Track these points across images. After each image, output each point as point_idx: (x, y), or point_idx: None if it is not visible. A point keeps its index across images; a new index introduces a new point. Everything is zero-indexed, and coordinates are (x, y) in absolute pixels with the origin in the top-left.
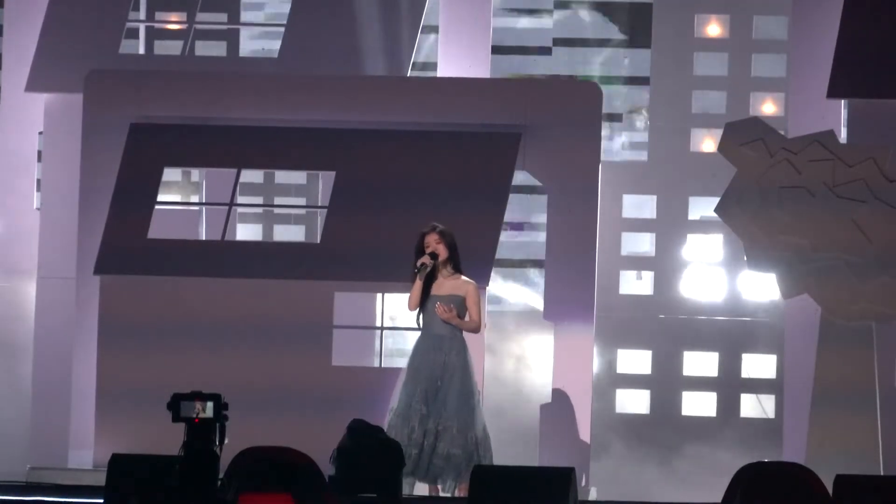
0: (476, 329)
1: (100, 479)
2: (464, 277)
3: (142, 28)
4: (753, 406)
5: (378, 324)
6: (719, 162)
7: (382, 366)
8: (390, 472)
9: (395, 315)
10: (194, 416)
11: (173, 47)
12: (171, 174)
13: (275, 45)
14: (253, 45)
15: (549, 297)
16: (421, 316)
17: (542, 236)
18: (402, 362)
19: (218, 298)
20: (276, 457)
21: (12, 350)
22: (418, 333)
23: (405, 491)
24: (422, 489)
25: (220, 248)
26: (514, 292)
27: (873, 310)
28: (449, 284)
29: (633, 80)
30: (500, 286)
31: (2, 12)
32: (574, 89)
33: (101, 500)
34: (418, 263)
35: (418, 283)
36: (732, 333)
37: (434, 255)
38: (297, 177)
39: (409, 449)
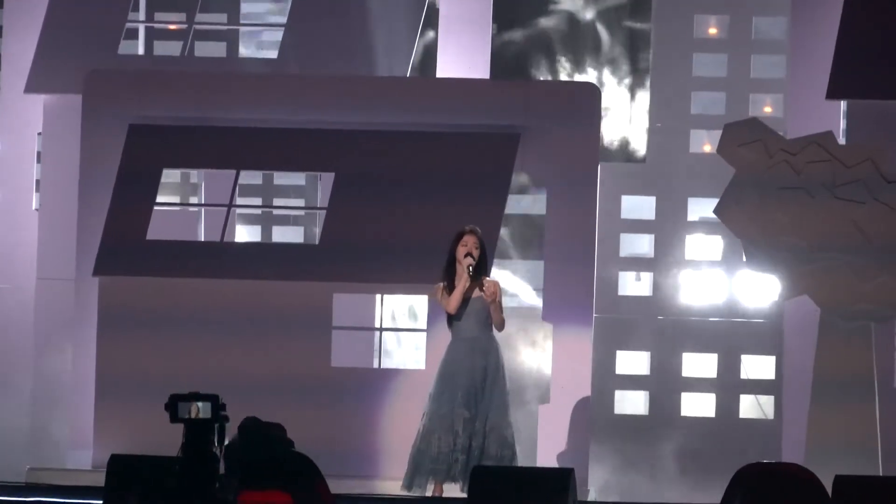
0: (502, 324)
1: (99, 480)
2: (487, 277)
3: (141, 28)
4: (752, 407)
5: (377, 324)
6: (719, 162)
7: (382, 366)
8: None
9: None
10: (186, 416)
11: (173, 48)
12: (170, 175)
13: (274, 46)
14: (253, 48)
15: (547, 297)
16: (452, 321)
17: None
18: (401, 362)
19: (217, 300)
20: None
21: (12, 350)
22: (414, 334)
23: (422, 493)
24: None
25: (220, 250)
26: (512, 291)
27: (872, 310)
28: (476, 285)
29: None
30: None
31: (2, 13)
32: (573, 90)
33: (101, 501)
34: (467, 265)
35: (461, 287)
36: (731, 334)
37: (473, 257)
38: (297, 178)
39: (455, 454)
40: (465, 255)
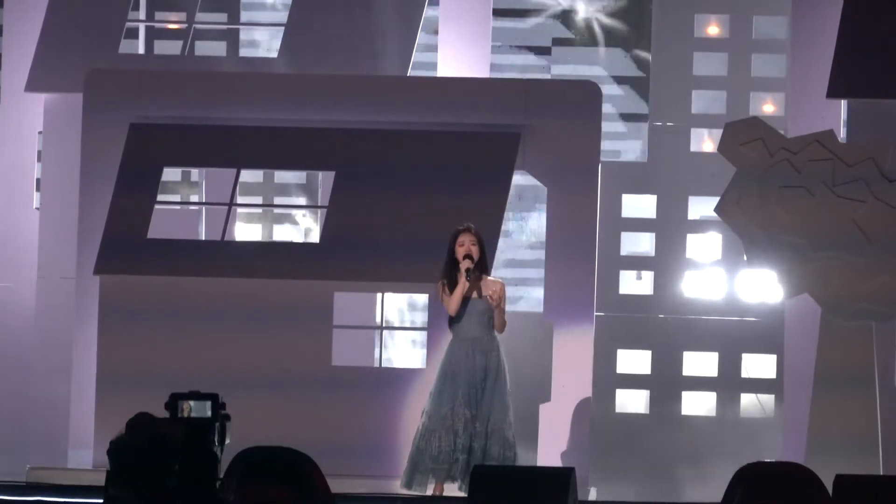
0: (503, 326)
1: (100, 479)
2: (490, 277)
3: (142, 28)
4: (753, 406)
5: (378, 324)
6: (719, 162)
7: (382, 366)
8: (165, 466)
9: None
10: (180, 415)
11: (173, 47)
12: (170, 174)
13: (274, 45)
14: (252, 46)
15: (549, 296)
16: (452, 321)
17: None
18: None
19: (218, 298)
20: (277, 457)
21: (12, 350)
22: (414, 334)
23: (422, 492)
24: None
25: (220, 248)
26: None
27: (873, 309)
28: (476, 286)
29: None
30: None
31: (2, 12)
32: (574, 89)
33: (101, 501)
34: (465, 269)
35: (462, 287)
36: (732, 333)
37: (472, 257)
38: (297, 177)
39: (455, 454)
40: (464, 257)
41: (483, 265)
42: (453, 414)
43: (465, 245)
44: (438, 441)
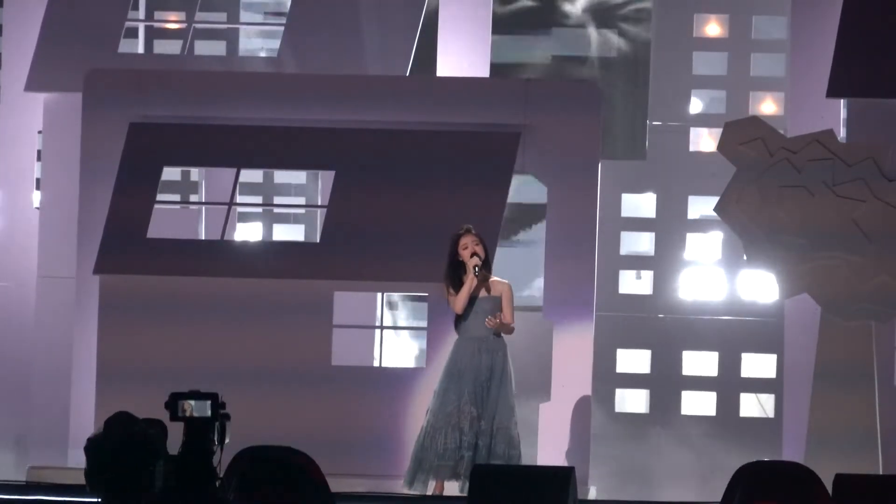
0: (511, 330)
1: None
2: (496, 278)
3: (141, 27)
4: (753, 405)
5: (378, 323)
6: (719, 161)
7: (382, 365)
8: (142, 465)
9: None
10: (180, 415)
11: (173, 47)
12: (170, 173)
13: (274, 44)
14: (252, 45)
15: (548, 296)
16: (458, 320)
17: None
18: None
19: (218, 298)
20: (276, 456)
21: (12, 350)
22: (415, 333)
23: (423, 491)
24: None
25: (220, 248)
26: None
27: (873, 309)
28: (483, 286)
29: None
30: None
31: (2, 12)
32: (574, 89)
33: (101, 500)
34: (473, 265)
35: (468, 286)
36: (732, 333)
37: (480, 256)
38: (297, 176)
39: (461, 451)
40: (472, 256)
41: (487, 264)
42: (459, 412)
43: (469, 247)
44: (444, 438)
